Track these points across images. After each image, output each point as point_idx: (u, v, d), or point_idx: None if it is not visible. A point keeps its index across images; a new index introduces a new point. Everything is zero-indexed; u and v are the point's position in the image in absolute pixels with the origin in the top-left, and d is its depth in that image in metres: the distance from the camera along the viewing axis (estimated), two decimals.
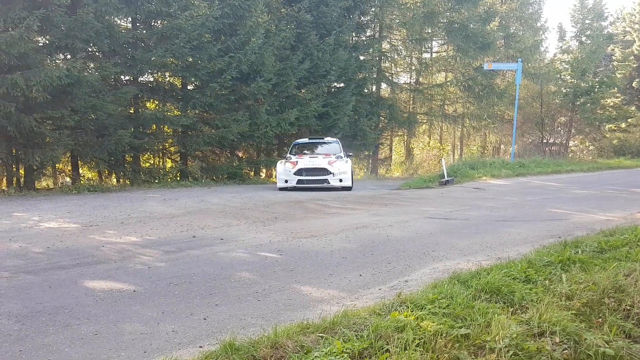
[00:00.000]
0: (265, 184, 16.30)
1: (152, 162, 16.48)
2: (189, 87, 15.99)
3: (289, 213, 9.81)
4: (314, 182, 14.35)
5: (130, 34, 14.09)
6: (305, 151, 15.55)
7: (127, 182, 14.54)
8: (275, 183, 14.80)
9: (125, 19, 15.05)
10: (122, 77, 14.95)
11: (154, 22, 15.03)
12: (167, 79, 15.94)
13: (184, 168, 15.59)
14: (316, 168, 14.44)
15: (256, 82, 15.41)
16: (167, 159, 16.70)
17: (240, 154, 18.09)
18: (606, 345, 4.16)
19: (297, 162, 14.46)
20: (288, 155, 15.26)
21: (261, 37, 15.31)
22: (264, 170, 19.44)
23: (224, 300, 4.96)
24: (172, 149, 16.22)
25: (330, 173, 14.38)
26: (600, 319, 4.73)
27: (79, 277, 5.58)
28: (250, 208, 10.21)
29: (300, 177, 14.31)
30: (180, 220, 8.81)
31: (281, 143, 18.84)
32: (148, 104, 15.65)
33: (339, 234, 8.02)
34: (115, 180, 15.61)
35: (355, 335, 3.96)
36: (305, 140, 16.18)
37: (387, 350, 3.78)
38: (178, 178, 15.33)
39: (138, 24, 15.06)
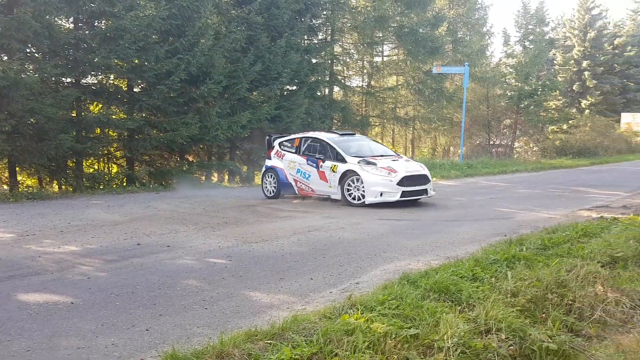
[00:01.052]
0: (217, 187, 16.01)
1: (97, 167, 15.94)
2: (135, 90, 15.59)
3: (239, 217, 9.64)
4: (416, 193, 11.43)
5: (71, 35, 13.61)
6: (355, 153, 11.86)
7: (70, 188, 14.00)
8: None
9: (66, 19, 14.50)
10: (63, 79, 14.40)
11: (97, 22, 14.59)
12: (112, 81, 15.48)
13: (130, 173, 15.17)
14: (418, 175, 11.58)
15: (206, 84, 15.16)
16: (113, 164, 16.17)
17: (190, 158, 17.74)
18: (550, 340, 4.24)
19: (391, 167, 11.28)
20: (333, 162, 11.64)
21: (211, 38, 15.07)
22: (216, 175, 19.17)
23: (168, 309, 4.80)
24: (117, 153, 15.75)
25: (429, 181, 11.83)
26: (544, 314, 4.82)
27: (12, 290, 5.28)
28: (200, 213, 9.99)
29: (404, 188, 11.14)
30: (125, 227, 8.50)
31: (233, 146, 18.60)
32: (91, 107, 15.14)
33: (290, 237, 7.92)
34: (57, 187, 15.04)
35: (305, 341, 3.89)
36: (335, 136, 12.53)
37: (337, 355, 3.73)
38: (124, 184, 14.88)
39: (80, 25, 14.57)
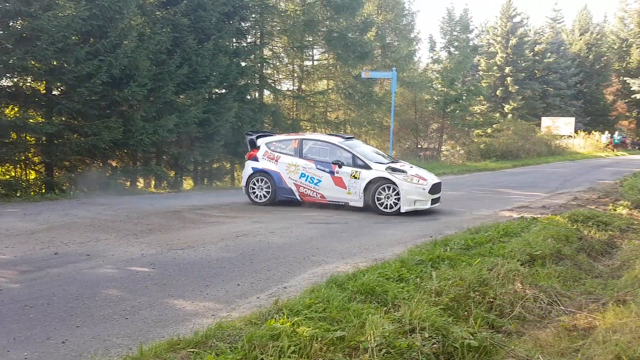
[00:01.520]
0: (143, 194, 15.53)
1: (13, 174, 15.08)
2: (54, 92, 14.87)
3: (165, 224, 9.36)
4: (436, 200, 11.40)
5: None
6: (372, 159, 11.56)
7: None
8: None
9: None
10: None
11: (13, 22, 13.84)
12: (29, 84, 14.70)
13: (49, 180, 14.44)
14: (438, 183, 11.59)
15: (130, 87, 14.64)
16: (30, 170, 15.34)
17: (114, 163, 17.10)
18: (471, 337, 4.37)
19: (420, 175, 11.22)
20: (353, 168, 11.21)
21: (134, 40, 14.59)
22: (142, 180, 18.59)
23: (87, 320, 4.60)
24: (35, 159, 14.94)
25: (441, 189, 11.87)
26: (466, 312, 4.96)
27: None
28: (122, 220, 9.62)
29: (432, 196, 11.09)
30: (42, 236, 8.04)
31: (159, 151, 18.11)
32: (7, 111, 14.31)
33: (217, 243, 7.78)
34: None
35: (230, 347, 3.84)
36: (341, 140, 12.09)
37: None
38: (43, 191, 14.14)
39: None
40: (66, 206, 11.22)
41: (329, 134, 13.35)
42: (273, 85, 26.01)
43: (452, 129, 32.67)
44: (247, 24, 22.35)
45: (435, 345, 4.16)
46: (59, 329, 4.40)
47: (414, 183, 10.96)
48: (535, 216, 10.13)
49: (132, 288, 5.55)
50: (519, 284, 5.75)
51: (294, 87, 28.09)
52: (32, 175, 15.17)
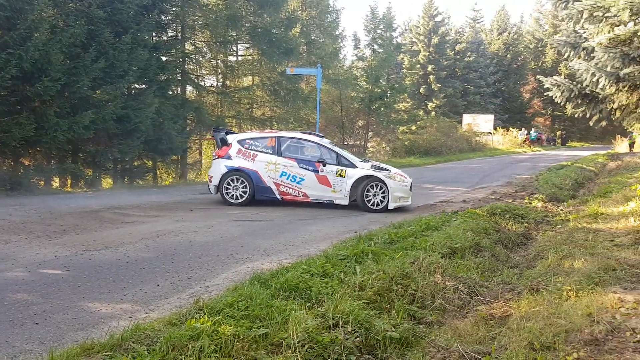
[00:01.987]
0: (58, 193, 14.81)
1: None
2: None
3: (80, 224, 8.93)
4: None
5: None
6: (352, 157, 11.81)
7: None
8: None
9: None
10: None
11: None
12: None
13: None
14: (412, 181, 11.97)
15: (42, 81, 13.87)
16: None
17: (26, 162, 16.20)
18: (393, 329, 4.44)
19: (401, 173, 11.71)
20: (338, 166, 11.26)
21: (46, 32, 13.81)
22: (57, 180, 17.76)
23: None
24: None
25: None
26: (389, 305, 5.04)
27: None
28: (35, 221, 9.10)
29: (411, 193, 11.66)
30: None
31: (75, 149, 17.32)
32: None
33: (137, 243, 7.50)
34: None
35: (147, 349, 3.70)
36: (319, 138, 12.06)
37: None
38: None
39: None
40: None
41: (303, 132, 13.13)
42: (196, 80, 25.49)
43: (378, 126, 33.17)
44: (167, 18, 21.71)
45: (358, 339, 4.20)
46: None
47: (398, 181, 11.24)
48: (456, 210, 10.45)
49: (44, 291, 5.26)
50: (439, 276, 5.90)
51: (218, 83, 27.69)
52: None
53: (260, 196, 11.46)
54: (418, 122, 39.28)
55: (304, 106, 28.56)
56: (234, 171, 11.50)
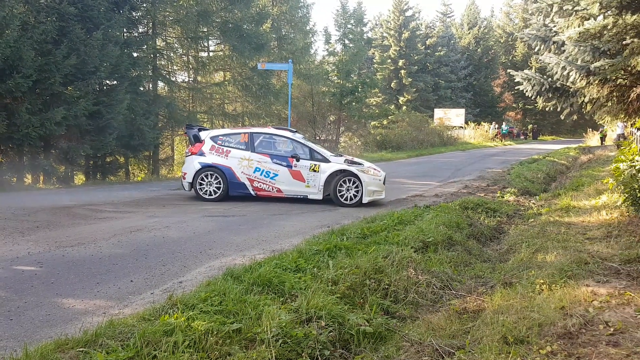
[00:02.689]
0: (30, 190, 14.59)
1: None
2: None
3: (53, 221, 8.87)
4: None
5: None
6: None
7: None
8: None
9: None
10: None
11: None
12: None
13: None
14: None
15: (13, 78, 13.73)
16: None
17: None
18: (367, 323, 4.49)
19: (375, 167, 11.88)
20: (312, 161, 11.34)
21: (17, 29, 13.68)
22: (29, 176, 17.55)
23: None
24: None
25: None
26: (362, 300, 5.09)
27: None
28: (7, 218, 8.99)
29: (385, 187, 11.89)
30: None
31: (47, 145, 17.10)
32: None
33: (110, 239, 7.49)
34: None
35: (121, 345, 3.75)
36: (290, 133, 12.08)
37: (155, 357, 3.64)
38: None
39: None
40: None
41: (276, 127, 13.14)
42: (167, 76, 25.32)
43: (349, 120, 33.27)
44: (138, 14, 21.54)
45: (331, 334, 4.24)
46: None
47: (372, 175, 11.33)
48: (428, 205, 10.56)
49: (17, 288, 5.26)
50: (412, 271, 5.94)
51: (190, 79, 27.51)
52: None
53: (234, 192, 11.47)
54: (389, 117, 39.44)
55: (275, 101, 28.55)
56: (207, 168, 11.48)
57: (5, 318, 4.47)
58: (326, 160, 11.39)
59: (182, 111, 24.07)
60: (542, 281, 5.38)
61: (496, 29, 64.24)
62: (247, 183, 11.43)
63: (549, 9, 12.63)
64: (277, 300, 4.73)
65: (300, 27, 34.20)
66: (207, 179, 11.47)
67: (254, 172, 11.40)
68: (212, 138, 11.80)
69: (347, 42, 35.15)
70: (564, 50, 12.67)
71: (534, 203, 12.02)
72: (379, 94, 48.76)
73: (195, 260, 6.51)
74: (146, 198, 11.71)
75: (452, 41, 56.79)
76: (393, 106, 47.71)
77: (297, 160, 11.33)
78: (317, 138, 31.88)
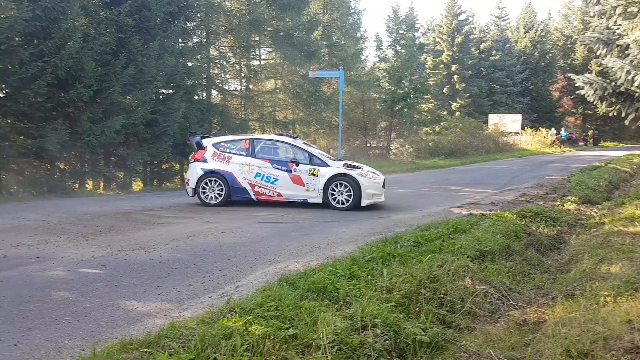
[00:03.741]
0: (92, 195, 15.19)
1: None
2: None
3: (114, 225, 9.24)
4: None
5: None
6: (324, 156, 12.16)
7: None
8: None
9: None
10: None
11: None
12: None
13: None
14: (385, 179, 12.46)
15: (75, 88, 14.37)
16: None
17: (62, 166, 16.71)
18: (423, 332, 4.43)
19: (374, 171, 12.17)
20: (311, 165, 11.53)
21: (79, 41, 14.29)
22: (90, 182, 18.25)
23: (38, 323, 4.55)
24: None
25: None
26: (417, 309, 5.03)
27: None
28: (72, 222, 9.45)
29: (384, 190, 12.13)
30: None
31: (107, 152, 17.77)
32: None
33: (168, 244, 7.74)
34: None
35: (182, 347, 3.85)
36: (291, 139, 12.31)
37: (215, 359, 3.71)
38: None
39: None
40: (14, 209, 10.98)
41: (276, 134, 13.40)
42: (220, 85, 25.85)
43: (401, 127, 33.03)
44: (192, 24, 22.13)
45: (387, 342, 4.20)
46: (10, 331, 4.34)
47: (370, 178, 11.50)
48: (484, 213, 10.31)
49: (83, 290, 5.49)
50: (469, 280, 5.83)
51: (242, 87, 27.97)
52: None
53: (235, 197, 11.85)
54: (442, 123, 38.87)
55: (326, 108, 28.68)
56: (209, 173, 11.86)
57: (72, 318, 4.68)
58: (325, 165, 11.60)
59: (235, 119, 24.49)
60: (606, 293, 5.18)
61: (554, 32, 62.38)
62: (248, 188, 11.75)
63: (612, 11, 12.26)
64: (332, 306, 4.74)
65: (351, 34, 34.27)
66: (210, 184, 11.83)
67: (255, 177, 11.70)
68: (214, 145, 12.18)
69: (398, 47, 34.90)
70: (628, 54, 12.26)
71: (596, 212, 11.53)
72: (431, 100, 48.25)
73: (250, 265, 6.63)
74: (201, 204, 11.99)
75: (507, 45, 55.65)
76: (446, 112, 47.04)
77: (297, 165, 11.59)
78: (368, 145, 31.78)
